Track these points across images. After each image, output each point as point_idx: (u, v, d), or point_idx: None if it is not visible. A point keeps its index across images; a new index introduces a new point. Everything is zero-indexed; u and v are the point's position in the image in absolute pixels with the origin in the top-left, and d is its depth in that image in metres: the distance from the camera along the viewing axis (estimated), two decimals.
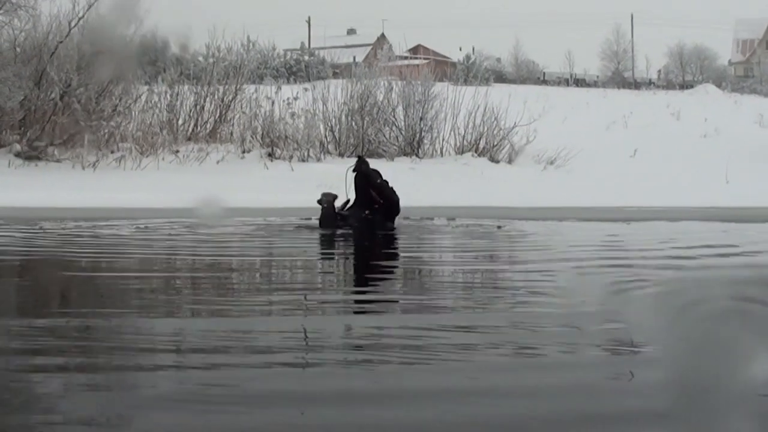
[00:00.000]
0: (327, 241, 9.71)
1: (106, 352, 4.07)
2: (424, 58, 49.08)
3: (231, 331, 4.44)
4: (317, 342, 4.28)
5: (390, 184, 10.62)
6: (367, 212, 10.36)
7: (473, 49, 63.74)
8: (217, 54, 24.40)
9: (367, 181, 10.48)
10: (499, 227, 11.46)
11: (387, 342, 4.21)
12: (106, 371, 3.66)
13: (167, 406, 3.08)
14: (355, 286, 6.58)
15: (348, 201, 10.61)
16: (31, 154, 19.75)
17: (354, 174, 10.62)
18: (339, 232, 10.17)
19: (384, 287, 6.38)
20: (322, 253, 9.01)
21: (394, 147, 22.80)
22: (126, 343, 4.20)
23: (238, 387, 3.30)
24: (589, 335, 4.40)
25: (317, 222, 10.86)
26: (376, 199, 10.50)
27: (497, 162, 22.32)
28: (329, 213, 10.44)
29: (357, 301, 5.57)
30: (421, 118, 22.88)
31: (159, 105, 22.50)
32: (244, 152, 21.88)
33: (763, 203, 14.42)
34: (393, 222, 10.57)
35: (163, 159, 20.34)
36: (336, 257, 8.88)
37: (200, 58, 24.97)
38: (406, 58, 41.80)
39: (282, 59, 45.41)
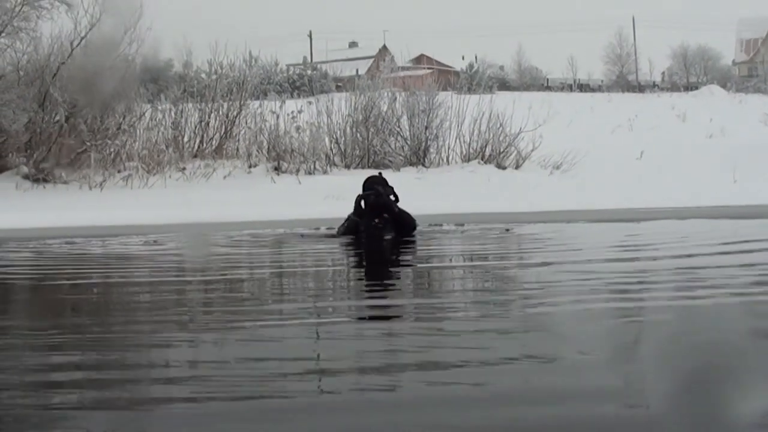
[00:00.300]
0: (336, 249, 9.68)
1: (118, 363, 4.05)
2: (427, 68, 49.12)
3: (245, 340, 4.42)
4: (331, 347, 4.25)
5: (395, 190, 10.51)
6: (377, 221, 10.27)
7: (476, 57, 63.93)
8: (219, 70, 24.46)
9: (387, 209, 10.32)
10: (507, 230, 11.46)
11: (401, 346, 4.17)
12: (120, 384, 3.63)
13: (182, 418, 3.05)
14: (368, 290, 6.55)
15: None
16: (38, 176, 19.80)
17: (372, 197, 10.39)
18: (346, 240, 10.13)
19: (396, 291, 6.35)
20: (333, 260, 8.98)
21: (400, 157, 22.82)
22: (139, 357, 4.17)
23: (252, 396, 3.27)
24: (605, 335, 4.36)
25: (329, 231, 10.90)
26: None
27: (504, 168, 22.30)
28: (352, 223, 10.33)
29: (370, 306, 5.52)
30: (426, 128, 22.88)
31: (164, 123, 22.56)
32: (250, 167, 21.93)
33: None
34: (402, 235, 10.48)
35: (170, 176, 20.40)
36: (347, 263, 8.85)
37: (203, 75, 25.02)
38: (408, 68, 41.87)
39: (285, 74, 45.52)
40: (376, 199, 10.22)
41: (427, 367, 3.62)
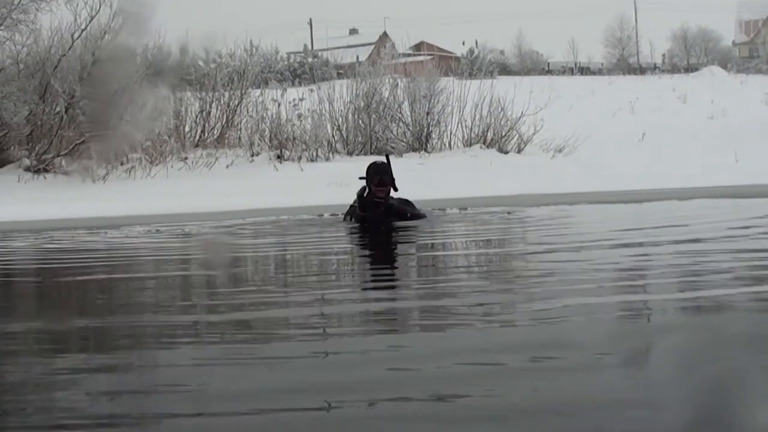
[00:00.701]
0: (342, 236, 9.69)
1: (124, 348, 4.06)
2: (428, 54, 49.04)
3: (249, 325, 4.42)
4: (336, 330, 4.25)
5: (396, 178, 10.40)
6: (382, 208, 10.18)
7: (476, 42, 63.82)
8: (218, 59, 24.44)
9: (399, 216, 10.22)
10: (508, 213, 11.48)
11: (405, 331, 4.17)
12: (126, 371, 3.63)
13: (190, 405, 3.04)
14: (374, 279, 6.54)
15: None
16: (40, 168, 19.80)
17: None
18: (352, 226, 10.10)
19: (401, 275, 6.36)
20: (339, 248, 8.98)
21: (402, 143, 22.84)
22: (145, 340, 4.18)
23: (259, 382, 3.26)
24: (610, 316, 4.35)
25: (334, 217, 10.92)
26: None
27: (506, 152, 22.31)
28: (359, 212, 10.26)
29: (375, 294, 5.51)
30: (427, 113, 22.90)
31: (165, 112, 22.50)
32: (253, 155, 21.93)
33: None
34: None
35: (172, 166, 20.38)
36: (352, 251, 8.86)
37: (200, 62, 24.93)
38: (409, 55, 41.82)
39: (285, 62, 45.45)
40: (387, 210, 10.07)
41: (433, 370, 3.60)
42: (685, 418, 2.78)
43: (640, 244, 7.57)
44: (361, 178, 10.23)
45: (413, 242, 9.00)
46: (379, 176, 10.11)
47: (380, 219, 9.97)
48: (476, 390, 3.14)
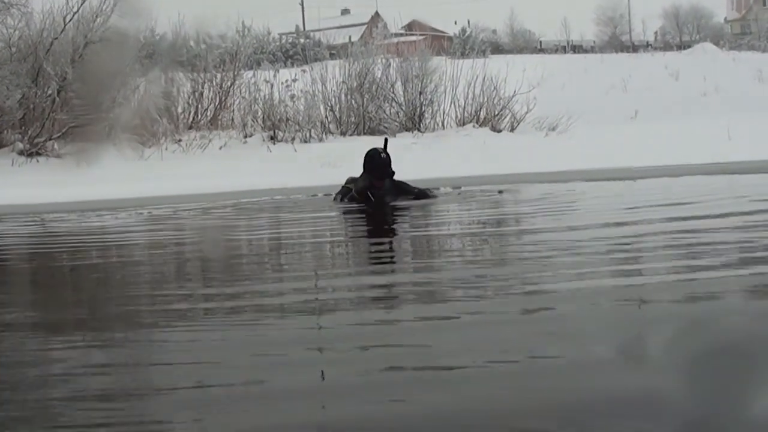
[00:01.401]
0: (334, 216, 9.70)
1: (118, 344, 4.07)
2: (420, 34, 48.94)
3: (245, 323, 4.43)
4: (330, 313, 4.26)
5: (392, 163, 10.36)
6: (376, 189, 10.17)
7: (468, 22, 63.73)
8: (209, 40, 24.36)
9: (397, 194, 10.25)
10: (500, 192, 11.50)
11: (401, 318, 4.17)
12: (119, 371, 3.62)
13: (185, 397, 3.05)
14: (368, 258, 6.54)
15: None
16: (33, 151, 19.77)
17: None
18: (345, 206, 10.10)
19: (396, 256, 6.37)
20: (331, 229, 8.99)
21: (396, 123, 22.82)
22: (138, 337, 4.18)
23: (254, 381, 3.24)
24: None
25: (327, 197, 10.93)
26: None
27: (499, 131, 22.32)
28: (349, 190, 10.26)
29: (371, 286, 5.47)
30: (420, 93, 22.88)
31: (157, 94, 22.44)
32: (246, 137, 21.90)
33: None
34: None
35: (166, 149, 20.36)
36: (345, 232, 8.87)
37: (191, 43, 24.84)
38: (401, 35, 41.76)
39: (278, 43, 45.34)
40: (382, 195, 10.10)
41: (426, 331, 3.62)
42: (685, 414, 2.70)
43: (636, 223, 7.59)
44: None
45: (407, 223, 9.01)
46: (380, 172, 10.14)
47: (378, 202, 10.01)
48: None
